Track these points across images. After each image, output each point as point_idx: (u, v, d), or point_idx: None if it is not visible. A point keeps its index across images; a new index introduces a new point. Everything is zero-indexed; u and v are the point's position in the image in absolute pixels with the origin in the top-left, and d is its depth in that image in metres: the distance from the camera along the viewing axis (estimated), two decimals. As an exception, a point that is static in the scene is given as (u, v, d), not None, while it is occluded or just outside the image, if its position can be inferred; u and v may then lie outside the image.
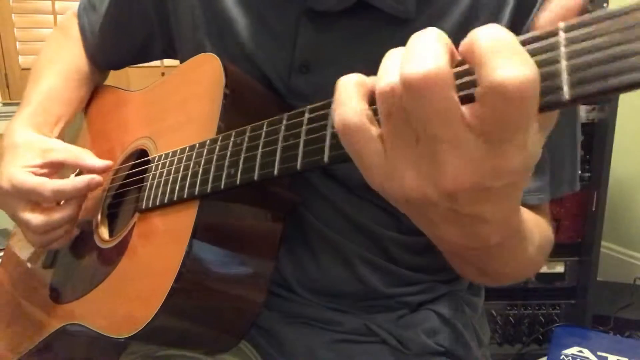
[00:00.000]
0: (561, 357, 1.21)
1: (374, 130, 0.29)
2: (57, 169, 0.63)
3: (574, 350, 1.24)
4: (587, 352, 1.23)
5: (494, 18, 0.52)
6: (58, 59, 0.76)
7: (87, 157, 0.63)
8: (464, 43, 0.27)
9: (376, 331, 0.61)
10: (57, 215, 0.60)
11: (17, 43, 1.94)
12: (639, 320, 1.46)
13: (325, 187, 0.58)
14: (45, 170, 0.62)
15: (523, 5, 0.52)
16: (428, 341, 0.61)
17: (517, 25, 0.52)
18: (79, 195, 0.61)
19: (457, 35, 0.51)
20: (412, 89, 0.26)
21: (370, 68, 0.54)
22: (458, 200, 0.28)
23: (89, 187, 0.60)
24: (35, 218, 0.60)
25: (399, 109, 0.28)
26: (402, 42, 0.52)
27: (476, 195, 0.28)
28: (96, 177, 0.60)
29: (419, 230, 0.60)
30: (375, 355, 0.60)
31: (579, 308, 1.46)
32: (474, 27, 0.51)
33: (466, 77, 0.27)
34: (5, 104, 1.91)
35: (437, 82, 0.26)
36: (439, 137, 0.26)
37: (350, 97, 0.31)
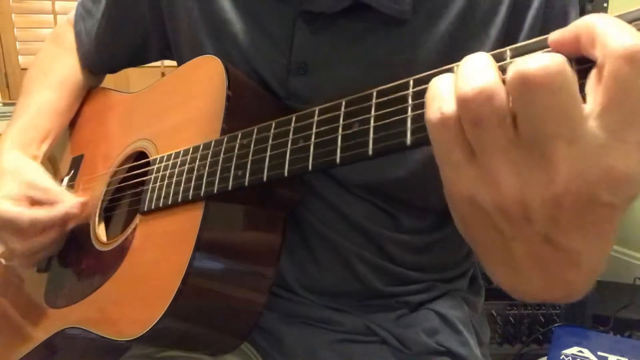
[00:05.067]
0: (561, 357, 1.21)
1: (460, 129, 0.27)
2: (36, 205, 0.64)
3: (574, 350, 1.24)
4: (587, 352, 1.23)
5: (490, 17, 0.52)
6: (50, 70, 0.77)
7: (63, 203, 0.63)
8: (563, 35, 0.26)
9: (376, 331, 0.61)
10: (37, 242, 0.62)
11: (17, 43, 1.93)
12: (639, 320, 1.46)
13: (323, 186, 0.58)
14: (25, 203, 0.63)
15: (518, 5, 0.52)
16: (428, 341, 0.61)
17: (512, 25, 0.52)
18: (57, 224, 0.62)
19: (452, 35, 0.52)
20: (535, 85, 0.24)
21: (367, 69, 0.54)
22: (562, 211, 0.25)
23: (65, 219, 0.62)
24: (17, 244, 0.62)
25: (493, 112, 0.25)
26: (399, 42, 0.53)
27: (582, 209, 0.25)
28: (72, 211, 0.62)
29: (417, 230, 0.61)
30: (376, 355, 0.60)
31: (579, 308, 1.46)
32: (469, 27, 0.52)
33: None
34: (5, 104, 1.91)
35: (562, 72, 0.24)
36: (555, 134, 0.24)
37: (442, 90, 0.28)
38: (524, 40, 0.28)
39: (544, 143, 0.25)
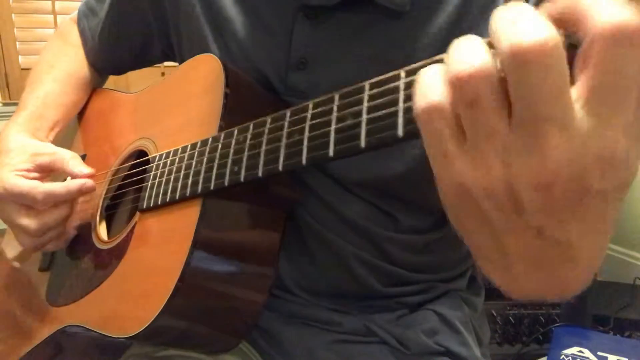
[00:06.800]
0: (561, 357, 1.21)
1: (451, 116, 0.26)
2: (46, 172, 0.64)
3: (574, 350, 1.24)
4: (587, 352, 1.23)
5: (488, 9, 0.51)
6: (56, 63, 0.77)
7: (72, 162, 0.63)
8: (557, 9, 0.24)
9: (376, 331, 0.61)
10: (51, 217, 0.61)
11: (17, 43, 1.94)
12: (639, 320, 1.46)
13: (321, 186, 0.58)
14: (36, 174, 0.63)
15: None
16: (428, 341, 0.61)
17: None
18: (71, 199, 0.62)
19: (450, 28, 0.52)
20: (526, 60, 0.23)
21: (366, 63, 0.54)
22: (553, 200, 0.25)
23: (81, 192, 0.61)
24: (30, 221, 0.61)
25: (490, 91, 0.25)
26: (397, 36, 0.53)
27: (573, 199, 0.25)
28: (88, 182, 0.61)
29: (416, 230, 0.61)
30: (375, 355, 0.60)
31: (579, 308, 1.46)
32: (467, 18, 0.52)
33: None
34: (5, 104, 1.92)
35: (556, 50, 0.23)
36: (549, 117, 0.23)
37: (432, 79, 0.27)
38: None
39: (536, 127, 0.24)
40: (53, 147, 0.66)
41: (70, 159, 0.63)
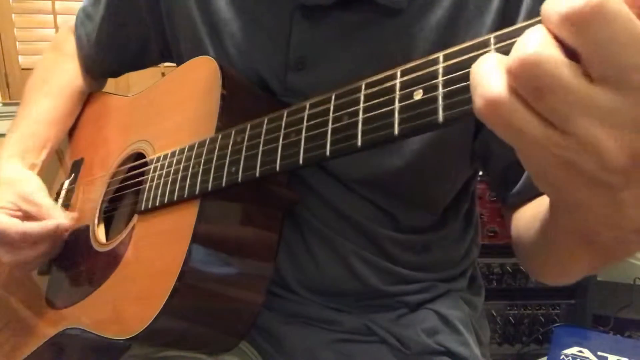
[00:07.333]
0: (561, 357, 1.21)
1: (521, 102, 0.24)
2: (28, 218, 0.64)
3: (574, 350, 1.24)
4: (587, 352, 1.22)
5: (484, 4, 0.51)
6: (50, 77, 0.77)
7: (55, 216, 0.64)
8: None
9: (376, 331, 0.61)
10: (29, 255, 0.63)
11: (17, 43, 1.93)
12: (639, 320, 1.46)
13: (322, 185, 0.58)
14: (19, 213, 0.64)
15: None
16: (428, 341, 0.61)
17: (507, 18, 0.51)
18: (47, 238, 0.63)
19: (446, 23, 0.52)
20: (586, 20, 0.21)
21: (364, 61, 0.54)
22: None
23: (56, 233, 0.63)
24: (9, 257, 0.63)
25: (548, 75, 0.22)
26: (395, 33, 0.53)
27: None
28: (64, 223, 0.63)
29: (416, 229, 0.61)
30: (375, 355, 0.60)
31: (579, 308, 1.46)
32: (463, 14, 0.52)
33: None
34: (5, 104, 1.91)
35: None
36: (634, 64, 0.22)
37: (488, 73, 0.25)
38: None
39: (628, 78, 0.22)
40: (42, 198, 0.66)
41: (53, 212, 0.64)
